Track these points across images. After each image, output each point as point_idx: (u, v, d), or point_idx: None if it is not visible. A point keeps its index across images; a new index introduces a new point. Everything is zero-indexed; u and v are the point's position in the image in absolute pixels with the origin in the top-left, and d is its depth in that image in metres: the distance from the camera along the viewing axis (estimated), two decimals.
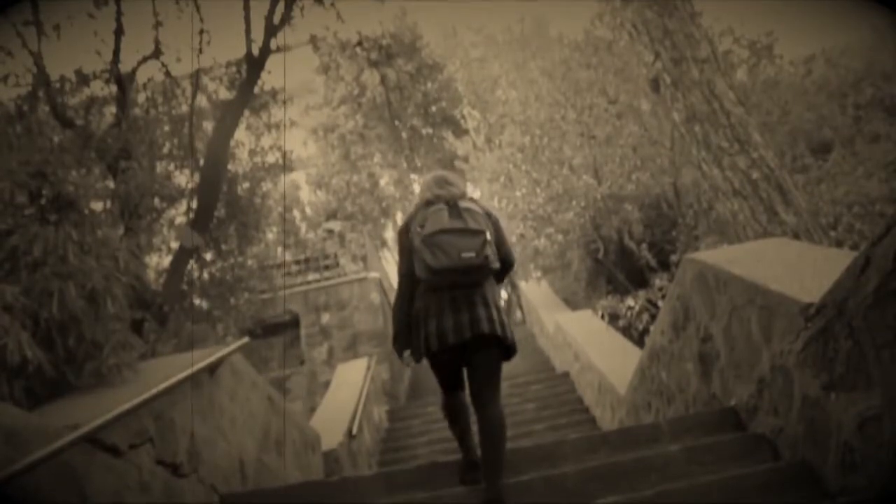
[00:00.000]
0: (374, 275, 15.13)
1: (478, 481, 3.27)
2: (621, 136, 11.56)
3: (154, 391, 3.13)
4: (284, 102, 10.27)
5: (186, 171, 8.77)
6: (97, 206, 6.27)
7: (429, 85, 23.76)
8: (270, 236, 11.49)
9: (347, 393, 8.38)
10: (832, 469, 2.54)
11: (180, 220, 8.79)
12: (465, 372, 3.33)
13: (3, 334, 2.96)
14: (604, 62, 12.27)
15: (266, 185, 9.82)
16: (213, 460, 3.81)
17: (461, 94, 24.34)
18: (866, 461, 2.30)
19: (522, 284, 16.87)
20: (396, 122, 23.72)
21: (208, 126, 9.37)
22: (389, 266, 19.20)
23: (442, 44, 25.61)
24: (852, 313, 2.29)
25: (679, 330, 4.40)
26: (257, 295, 9.82)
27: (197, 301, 8.60)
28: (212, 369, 4.07)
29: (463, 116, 23.92)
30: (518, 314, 22.77)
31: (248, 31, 8.55)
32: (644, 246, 10.86)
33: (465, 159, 20.73)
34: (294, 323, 14.53)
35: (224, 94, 9.75)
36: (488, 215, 3.32)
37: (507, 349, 3.27)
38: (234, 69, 9.56)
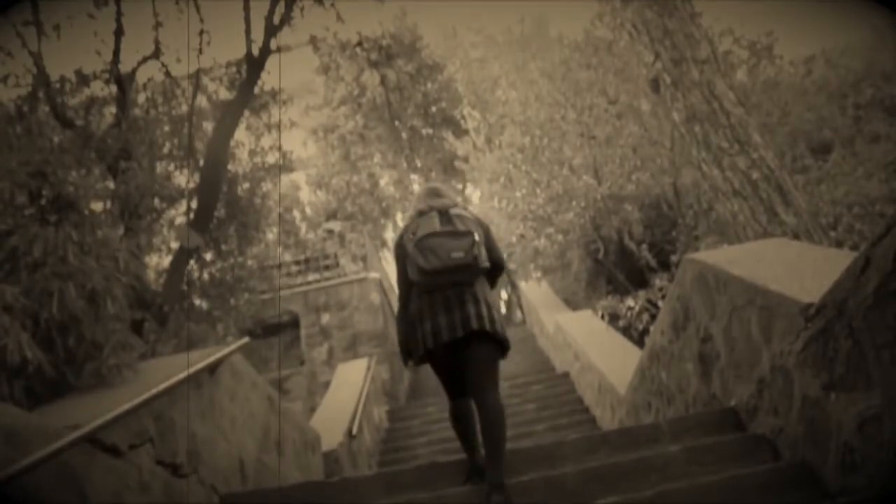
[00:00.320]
0: (374, 275, 15.13)
1: (481, 483, 3.28)
2: (621, 136, 11.56)
3: (154, 391, 3.13)
4: (277, 96, 10.24)
5: (186, 172, 8.77)
6: (97, 206, 6.27)
7: (429, 85, 23.77)
8: (270, 236, 11.49)
9: (347, 393, 8.38)
10: (832, 469, 2.54)
11: (180, 220, 8.80)
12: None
13: (3, 335, 2.96)
14: (604, 62, 12.27)
15: (266, 186, 9.83)
16: (213, 460, 3.81)
17: (461, 95, 24.36)
18: (866, 461, 2.30)
19: (522, 285, 16.87)
20: (396, 123, 23.73)
21: (208, 126, 9.37)
22: (389, 266, 19.19)
23: (442, 44, 25.63)
24: (852, 313, 2.29)
25: (679, 330, 4.40)
26: (257, 295, 9.82)
27: (197, 301, 8.61)
28: (212, 369, 4.07)
29: (463, 117, 23.94)
30: (518, 314, 22.78)
31: (248, 32, 8.57)
32: (644, 246, 10.86)
33: (465, 160, 20.76)
34: (294, 323, 14.53)
35: (224, 94, 9.77)
36: (479, 222, 3.47)
37: (500, 344, 3.35)
38: (233, 69, 9.57)
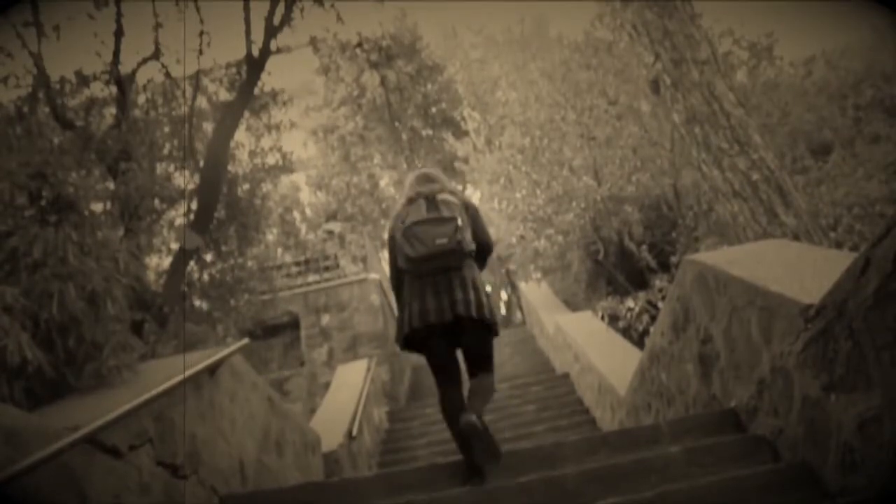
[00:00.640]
0: (374, 276, 15.12)
1: (480, 483, 3.28)
2: (621, 137, 11.56)
3: (154, 392, 3.13)
4: (278, 97, 10.25)
5: (186, 173, 8.78)
6: (97, 207, 6.27)
7: (429, 86, 23.76)
8: (270, 237, 11.50)
9: (347, 394, 8.38)
10: (832, 470, 2.54)
11: (180, 221, 8.80)
12: (458, 365, 3.53)
13: (3, 335, 2.96)
14: (604, 63, 12.27)
15: (266, 187, 9.84)
16: (213, 461, 3.81)
17: (461, 96, 24.36)
18: (866, 462, 2.30)
19: (522, 286, 16.86)
20: (396, 124, 23.72)
21: (208, 127, 9.38)
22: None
23: (442, 45, 25.63)
24: (852, 314, 2.29)
25: (679, 331, 4.39)
26: (257, 296, 9.82)
27: (197, 302, 8.61)
28: (212, 370, 4.07)
29: (463, 118, 23.93)
30: (518, 315, 22.77)
31: (248, 33, 8.57)
32: (644, 247, 10.85)
33: (465, 161, 20.74)
34: (294, 324, 14.52)
35: (224, 95, 9.77)
36: (466, 206, 3.58)
37: (490, 327, 3.49)
38: (233, 70, 9.57)
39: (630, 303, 9.56)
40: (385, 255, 21.08)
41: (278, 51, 8.86)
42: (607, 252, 11.65)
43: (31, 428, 2.46)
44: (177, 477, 3.35)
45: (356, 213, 21.29)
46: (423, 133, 24.07)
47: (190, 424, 3.65)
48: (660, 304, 8.53)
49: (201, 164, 8.61)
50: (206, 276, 8.79)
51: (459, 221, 3.40)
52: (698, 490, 2.76)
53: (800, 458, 2.81)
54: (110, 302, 3.63)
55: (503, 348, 14.17)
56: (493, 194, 14.77)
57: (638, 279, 10.81)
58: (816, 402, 2.64)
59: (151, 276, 8.60)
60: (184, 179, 8.72)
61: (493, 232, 3.83)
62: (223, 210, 8.87)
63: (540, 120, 12.79)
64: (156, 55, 8.51)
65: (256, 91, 9.31)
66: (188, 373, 3.56)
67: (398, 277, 3.59)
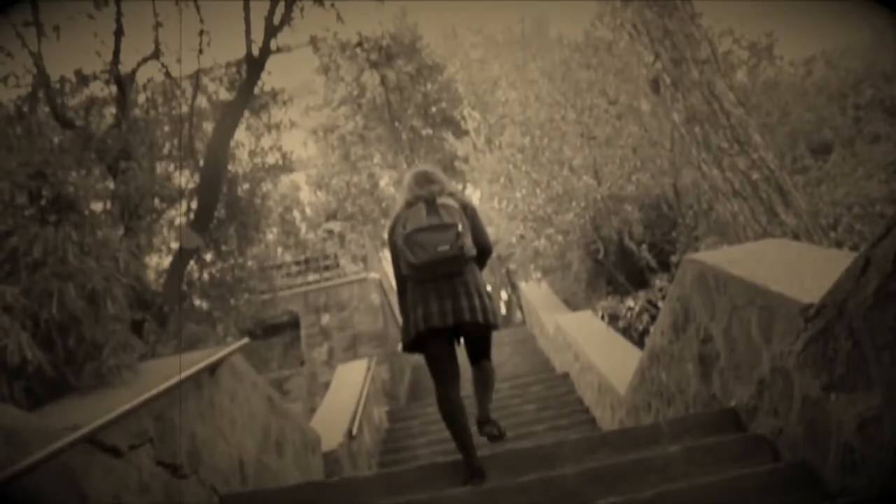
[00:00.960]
0: (374, 275, 15.12)
1: (480, 483, 3.28)
2: (621, 136, 11.55)
3: (154, 392, 3.13)
4: (278, 96, 10.25)
5: (186, 172, 8.77)
6: (97, 206, 6.27)
7: (429, 86, 23.76)
8: (270, 237, 11.50)
9: (347, 394, 8.38)
10: (832, 470, 2.54)
11: (180, 220, 8.79)
12: (457, 364, 3.57)
13: (3, 335, 2.96)
14: (604, 63, 12.26)
15: (266, 186, 9.83)
16: (213, 461, 3.81)
17: (461, 95, 24.36)
18: (866, 461, 2.30)
19: (522, 285, 16.86)
20: (396, 123, 23.72)
21: (208, 127, 9.38)
22: (389, 267, 19.13)
23: (442, 44, 25.63)
24: (852, 314, 2.28)
25: (679, 331, 4.39)
26: (257, 295, 9.82)
27: (197, 302, 8.60)
28: (212, 370, 4.07)
29: (463, 117, 23.94)
30: (518, 315, 22.77)
31: (247, 32, 8.57)
32: (644, 247, 10.85)
33: (466, 160, 20.76)
34: (294, 324, 14.52)
35: (224, 94, 9.77)
36: (464, 208, 3.61)
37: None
38: (233, 70, 9.57)
39: (630, 302, 9.55)
40: (385, 254, 21.09)
41: (278, 50, 8.85)
42: (607, 251, 11.65)
43: (31, 428, 2.46)
44: (177, 476, 3.35)
45: (356, 212, 21.29)
46: (423, 132, 24.07)
47: (190, 424, 3.65)
48: (660, 304, 8.53)
49: (201, 163, 8.60)
50: (206, 276, 8.79)
51: (460, 227, 3.44)
52: (698, 490, 2.75)
53: (800, 458, 2.81)
54: (110, 301, 3.63)
55: (503, 348, 14.16)
56: (493, 194, 14.77)
57: (638, 278, 10.81)
58: (816, 401, 2.63)
59: (151, 275, 8.60)
60: (184, 179, 8.73)
61: (493, 231, 3.88)
62: (223, 209, 8.87)
63: (540, 119, 12.79)
64: (156, 54, 8.50)
65: (256, 90, 9.31)
66: (188, 372, 3.57)
67: (401, 282, 3.66)
